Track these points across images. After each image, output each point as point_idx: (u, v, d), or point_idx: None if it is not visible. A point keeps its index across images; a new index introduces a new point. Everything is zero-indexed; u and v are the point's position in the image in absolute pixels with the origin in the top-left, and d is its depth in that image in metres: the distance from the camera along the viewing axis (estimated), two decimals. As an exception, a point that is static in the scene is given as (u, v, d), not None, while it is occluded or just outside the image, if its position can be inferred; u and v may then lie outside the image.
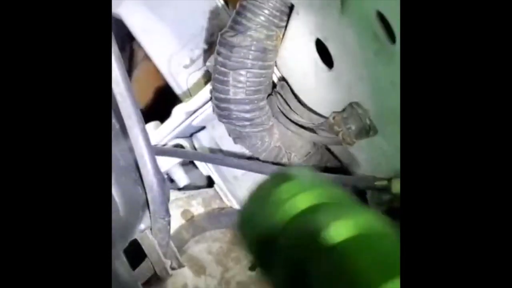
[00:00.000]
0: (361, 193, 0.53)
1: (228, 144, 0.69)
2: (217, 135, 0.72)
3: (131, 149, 0.47)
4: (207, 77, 0.72)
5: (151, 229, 0.49)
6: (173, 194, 0.75)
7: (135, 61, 1.00)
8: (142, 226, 0.49)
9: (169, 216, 0.49)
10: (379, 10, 0.34)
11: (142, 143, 0.46)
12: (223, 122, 0.60)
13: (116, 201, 0.43)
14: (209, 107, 0.65)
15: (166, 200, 0.49)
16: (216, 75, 0.57)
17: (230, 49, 0.54)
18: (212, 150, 0.71)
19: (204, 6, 0.72)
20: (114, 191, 0.43)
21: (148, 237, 0.49)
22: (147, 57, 0.80)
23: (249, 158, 0.66)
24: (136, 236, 0.50)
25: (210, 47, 0.73)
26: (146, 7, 0.73)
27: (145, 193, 0.48)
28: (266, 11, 0.52)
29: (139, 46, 0.82)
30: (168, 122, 0.68)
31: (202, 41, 0.73)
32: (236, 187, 0.70)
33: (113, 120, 0.50)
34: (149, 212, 0.48)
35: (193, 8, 0.72)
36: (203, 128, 0.73)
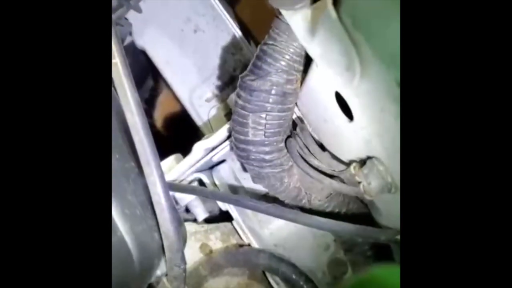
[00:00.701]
0: (385, 245, 0.51)
1: (248, 177, 0.69)
2: (237, 168, 0.72)
3: (147, 193, 0.48)
4: (228, 111, 0.72)
5: (166, 275, 0.49)
6: (192, 227, 0.75)
7: (158, 88, 1.02)
8: (158, 272, 0.49)
9: (185, 263, 0.48)
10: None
11: (160, 189, 0.46)
12: (242, 162, 0.60)
13: (131, 253, 0.43)
14: (229, 143, 0.65)
15: (182, 247, 0.49)
16: (236, 117, 0.57)
17: (250, 93, 0.54)
18: (231, 186, 0.71)
19: (226, 41, 0.73)
20: (129, 241, 0.43)
21: (164, 283, 0.49)
22: (169, 86, 0.81)
23: (267, 195, 0.65)
24: (152, 280, 0.50)
25: (231, 82, 0.74)
26: (169, 40, 0.75)
27: (161, 239, 0.48)
28: (287, 57, 0.51)
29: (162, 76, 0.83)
30: (188, 158, 0.69)
31: (224, 75, 0.74)
32: (255, 223, 0.70)
33: (132, 164, 0.51)
34: (165, 259, 0.48)
35: (215, 42, 0.73)
36: (223, 160, 0.73)
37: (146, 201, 0.48)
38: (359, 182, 0.47)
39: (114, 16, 0.63)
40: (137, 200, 0.48)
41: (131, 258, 0.43)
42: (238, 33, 0.71)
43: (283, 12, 0.44)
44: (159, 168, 0.46)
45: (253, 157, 0.57)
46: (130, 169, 0.50)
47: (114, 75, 0.47)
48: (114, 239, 0.41)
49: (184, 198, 0.72)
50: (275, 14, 0.53)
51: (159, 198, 0.46)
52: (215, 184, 0.72)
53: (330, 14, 0.35)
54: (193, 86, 0.75)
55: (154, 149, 0.47)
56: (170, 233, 0.47)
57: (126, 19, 0.72)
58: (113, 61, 0.47)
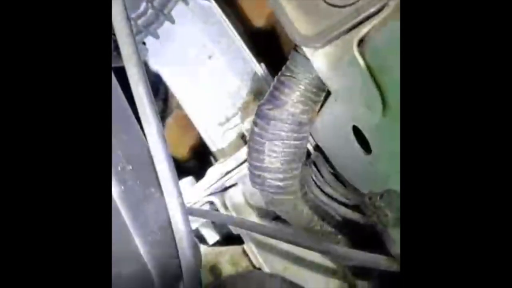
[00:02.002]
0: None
1: (259, 201, 0.70)
2: (249, 192, 0.73)
3: (167, 217, 0.49)
4: (241, 136, 0.74)
5: (183, 300, 0.50)
6: (202, 249, 0.75)
7: (169, 107, 1.03)
8: (174, 297, 0.49)
9: (201, 288, 0.49)
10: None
11: (180, 217, 0.48)
12: (256, 188, 0.61)
13: (154, 281, 0.44)
14: (243, 168, 0.67)
15: (199, 272, 0.50)
16: (252, 144, 0.58)
17: (267, 122, 0.55)
18: (242, 209, 0.72)
19: (240, 67, 0.75)
20: (152, 269, 0.44)
21: (180, 308, 0.49)
22: (180, 106, 0.82)
23: (278, 219, 0.66)
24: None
25: (245, 107, 0.75)
26: (184, 65, 0.77)
27: (180, 265, 0.49)
28: (303, 87, 0.53)
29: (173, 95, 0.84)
30: (202, 181, 0.70)
31: (238, 101, 0.75)
32: (266, 248, 0.71)
33: (152, 189, 0.52)
34: (183, 283, 0.49)
35: (229, 68, 0.75)
36: (234, 184, 0.74)
37: (165, 226, 0.49)
38: (374, 212, 0.48)
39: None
40: (157, 226, 0.49)
41: (152, 285, 0.44)
42: (252, 60, 0.73)
43: (304, 48, 0.46)
44: (180, 197, 0.48)
45: (268, 183, 0.58)
46: (150, 195, 0.52)
47: (137, 103, 0.49)
48: (137, 267, 0.42)
49: (196, 220, 0.73)
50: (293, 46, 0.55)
51: (179, 225, 0.48)
52: (226, 207, 0.73)
53: (355, 57, 0.37)
54: (207, 110, 0.76)
55: (176, 177, 0.48)
56: (189, 259, 0.48)
57: (144, 43, 0.74)
58: (138, 89, 0.48)
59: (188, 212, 0.64)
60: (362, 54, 0.37)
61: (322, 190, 0.56)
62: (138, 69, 0.48)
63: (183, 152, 0.92)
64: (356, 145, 0.47)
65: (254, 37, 0.78)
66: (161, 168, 0.47)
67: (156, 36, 0.70)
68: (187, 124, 0.88)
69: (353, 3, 0.40)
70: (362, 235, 0.61)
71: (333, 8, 0.41)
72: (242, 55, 0.74)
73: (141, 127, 0.52)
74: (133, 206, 0.48)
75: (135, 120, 0.58)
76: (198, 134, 0.81)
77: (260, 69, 0.73)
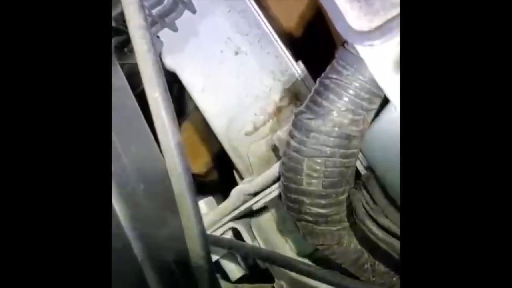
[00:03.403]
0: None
1: (294, 230, 0.69)
2: (281, 219, 0.72)
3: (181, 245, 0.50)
4: (273, 149, 0.73)
5: None
6: (223, 285, 0.75)
7: (184, 111, 1.04)
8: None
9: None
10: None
11: (199, 250, 0.48)
12: (292, 216, 0.60)
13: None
14: (274, 190, 0.66)
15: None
16: (287, 160, 0.58)
17: (307, 134, 0.55)
18: (273, 240, 0.72)
19: (273, 65, 0.74)
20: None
21: None
22: (198, 109, 0.83)
23: (318, 255, 0.65)
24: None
25: (278, 114, 0.75)
26: (205, 63, 0.77)
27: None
28: (353, 93, 0.53)
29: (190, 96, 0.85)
30: (224, 204, 0.70)
31: (268, 106, 0.75)
32: (299, 287, 0.70)
33: (167, 213, 0.53)
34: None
35: (259, 66, 0.75)
36: (264, 207, 0.74)
37: (182, 259, 0.50)
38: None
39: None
40: (172, 257, 0.50)
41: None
42: (287, 55, 0.73)
43: (357, 46, 0.45)
44: (200, 223, 0.48)
45: (306, 210, 0.58)
46: (164, 220, 0.52)
47: (153, 111, 0.50)
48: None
49: (216, 251, 0.73)
50: (341, 42, 0.54)
51: (199, 260, 0.48)
52: (253, 235, 0.73)
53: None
54: (231, 117, 0.76)
55: (195, 199, 0.48)
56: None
57: (158, 37, 0.75)
58: (153, 95, 0.49)
59: (209, 242, 0.64)
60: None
61: (374, 220, 0.55)
62: (154, 70, 0.49)
63: (200, 166, 0.92)
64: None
65: (287, 36, 0.79)
66: (178, 187, 0.47)
67: (174, 29, 0.71)
68: (205, 132, 0.89)
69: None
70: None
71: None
72: (275, 51, 0.74)
73: (155, 138, 0.53)
74: (145, 234, 0.49)
75: (149, 130, 0.59)
76: (219, 144, 0.81)
77: (297, 67, 0.73)
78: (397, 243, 0.53)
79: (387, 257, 0.59)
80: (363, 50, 0.44)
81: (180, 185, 0.48)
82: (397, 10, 0.41)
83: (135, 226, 0.48)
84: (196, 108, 0.83)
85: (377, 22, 0.42)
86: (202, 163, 0.92)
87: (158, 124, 0.49)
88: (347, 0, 0.42)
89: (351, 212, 0.58)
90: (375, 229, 0.54)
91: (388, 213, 0.54)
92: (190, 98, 0.83)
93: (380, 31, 0.41)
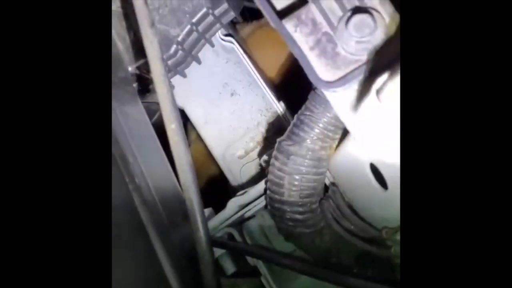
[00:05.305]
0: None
1: (276, 233, 0.73)
2: (266, 225, 0.76)
3: (190, 244, 0.53)
4: (260, 169, 0.78)
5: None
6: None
7: (188, 139, 1.08)
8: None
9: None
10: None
11: (205, 247, 0.51)
12: (275, 221, 0.64)
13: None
14: (261, 201, 0.70)
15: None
16: (272, 177, 0.62)
17: (287, 156, 0.60)
18: (260, 242, 0.75)
19: (260, 104, 0.80)
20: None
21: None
22: (199, 138, 0.87)
23: (296, 253, 0.68)
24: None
25: (264, 142, 0.80)
26: (207, 101, 0.83)
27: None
28: (322, 126, 0.58)
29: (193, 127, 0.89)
30: (222, 213, 0.74)
31: (256, 136, 0.80)
32: (282, 279, 0.73)
33: (179, 219, 0.56)
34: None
35: (250, 105, 0.81)
36: (252, 216, 0.77)
37: (190, 255, 0.53)
38: (391, 246, 0.51)
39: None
40: (183, 254, 0.52)
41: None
42: (271, 97, 0.79)
43: (324, 91, 0.50)
44: (206, 227, 0.51)
45: (287, 216, 0.62)
46: (177, 223, 0.55)
47: (170, 138, 0.54)
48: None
49: (215, 251, 0.76)
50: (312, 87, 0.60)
51: (205, 257, 0.51)
52: (244, 240, 0.76)
53: (373, 101, 0.41)
54: (227, 144, 0.81)
55: (202, 209, 0.52)
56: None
57: (170, 81, 0.80)
58: (171, 126, 0.53)
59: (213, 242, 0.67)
60: (379, 98, 0.41)
61: (339, 224, 0.59)
62: (172, 107, 0.54)
63: (201, 183, 0.96)
64: (374, 182, 0.50)
65: (272, 82, 0.84)
66: (190, 201, 0.51)
67: (184, 75, 0.76)
68: (206, 156, 0.93)
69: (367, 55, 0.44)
70: (379, 268, 0.64)
71: (351, 56, 0.46)
72: (262, 93, 0.80)
73: (170, 159, 0.57)
74: (161, 233, 0.52)
75: (163, 153, 0.62)
76: (217, 166, 0.85)
77: (279, 106, 0.79)
78: (356, 241, 0.57)
79: (350, 253, 0.62)
80: (329, 94, 0.48)
81: (192, 199, 0.52)
82: (354, 66, 0.47)
83: (153, 224, 0.50)
84: (197, 138, 0.88)
85: (339, 74, 0.46)
86: (202, 181, 0.96)
87: (174, 149, 0.53)
88: (317, 57, 0.46)
89: (321, 218, 0.62)
90: (339, 230, 0.58)
91: (349, 217, 0.58)
92: (192, 129, 0.88)
93: (341, 81, 0.45)
